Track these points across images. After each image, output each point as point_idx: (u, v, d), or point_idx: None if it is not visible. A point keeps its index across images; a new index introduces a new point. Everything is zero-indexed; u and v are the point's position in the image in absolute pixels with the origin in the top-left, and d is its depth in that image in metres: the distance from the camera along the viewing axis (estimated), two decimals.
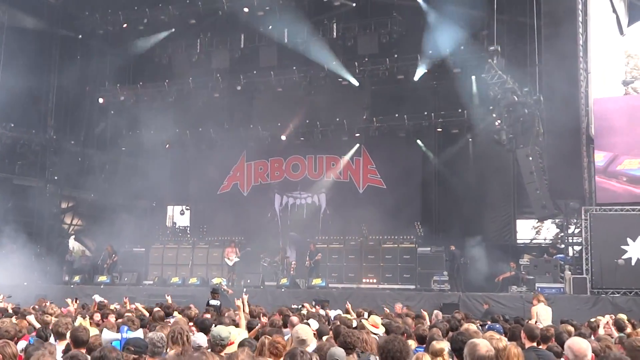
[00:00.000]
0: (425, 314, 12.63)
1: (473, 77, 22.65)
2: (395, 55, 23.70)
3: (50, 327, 9.20)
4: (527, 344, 7.83)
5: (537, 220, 25.92)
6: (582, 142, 18.75)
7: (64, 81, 26.58)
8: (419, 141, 25.56)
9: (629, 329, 10.19)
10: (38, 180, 26.72)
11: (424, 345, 7.98)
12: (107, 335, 7.16)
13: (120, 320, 9.65)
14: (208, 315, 11.11)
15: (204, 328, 8.62)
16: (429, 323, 11.02)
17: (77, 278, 24.39)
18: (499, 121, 20.90)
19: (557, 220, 23.98)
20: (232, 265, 23.39)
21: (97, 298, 12.86)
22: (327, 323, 10.21)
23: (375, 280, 23.15)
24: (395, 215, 24.12)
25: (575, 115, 18.68)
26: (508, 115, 20.63)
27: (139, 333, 7.34)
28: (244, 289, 21.16)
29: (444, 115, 24.43)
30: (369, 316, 11.30)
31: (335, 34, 23.90)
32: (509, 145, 20.88)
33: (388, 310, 14.81)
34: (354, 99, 25.87)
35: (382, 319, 11.05)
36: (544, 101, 19.49)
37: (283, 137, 26.58)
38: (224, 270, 23.83)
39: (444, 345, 6.77)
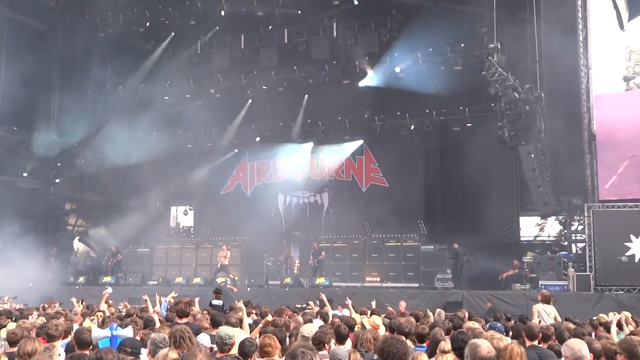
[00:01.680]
0: (430, 313, 12.60)
1: (473, 75, 22.56)
2: (396, 54, 23.62)
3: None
4: (528, 343, 7.82)
5: (540, 218, 25.86)
6: (584, 139, 18.65)
7: (67, 83, 26.63)
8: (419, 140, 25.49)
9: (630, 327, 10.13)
10: (41, 182, 26.80)
11: (424, 344, 7.99)
12: (97, 332, 7.17)
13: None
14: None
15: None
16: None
17: (82, 279, 24.46)
18: (501, 118, 20.83)
19: (560, 218, 23.91)
20: (221, 266, 23.26)
21: (110, 290, 13.06)
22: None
23: (378, 279, 23.10)
24: (399, 214, 24.08)
25: (576, 111, 18.60)
26: (510, 112, 20.59)
27: (129, 330, 7.30)
28: (248, 289, 21.31)
29: (445, 113, 24.32)
30: (370, 315, 11.33)
31: (335, 33, 23.85)
32: (511, 143, 20.82)
33: (392, 309, 14.77)
34: (356, 97, 25.76)
35: (383, 318, 11.05)
36: (545, 98, 19.43)
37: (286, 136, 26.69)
38: (225, 270, 23.81)
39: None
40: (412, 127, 24.76)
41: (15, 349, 6.66)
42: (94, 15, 25.46)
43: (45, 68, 26.20)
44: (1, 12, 24.90)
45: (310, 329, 7.20)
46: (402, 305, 16.79)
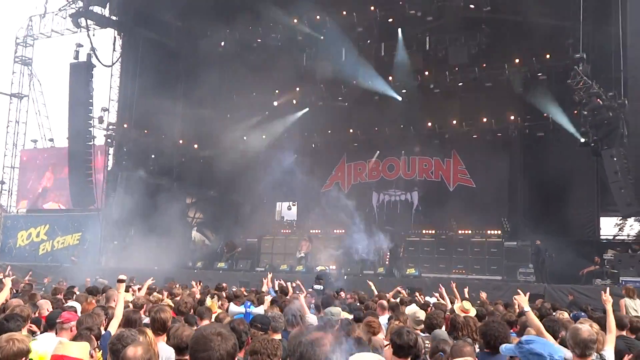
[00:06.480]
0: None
1: (557, 83, 21.78)
2: (484, 65, 23.17)
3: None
4: (616, 333, 7.44)
5: (620, 218, 24.65)
6: None
7: (190, 93, 27.56)
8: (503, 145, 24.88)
9: None
10: (167, 178, 27.83)
11: (513, 330, 7.78)
12: (233, 308, 7.36)
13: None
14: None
15: None
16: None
17: (199, 264, 25.22)
18: (584, 124, 19.98)
19: None
20: (300, 257, 23.82)
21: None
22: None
23: (464, 271, 22.74)
24: (483, 212, 23.61)
25: None
26: (592, 118, 19.70)
27: (260, 309, 7.46)
28: (345, 277, 21.33)
29: (530, 119, 23.71)
30: (462, 301, 11.12)
31: (428, 46, 23.63)
32: (595, 147, 19.91)
33: (484, 297, 14.39)
34: (445, 105, 25.45)
35: (473, 306, 10.82)
36: (629, 104, 18.47)
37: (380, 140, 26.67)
38: (324, 259, 23.95)
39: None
40: (497, 132, 24.23)
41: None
42: (214, 32, 26.24)
43: (172, 79, 27.19)
44: (138, 32, 26.18)
45: (422, 315, 7.20)
46: (483, 295, 16.35)
